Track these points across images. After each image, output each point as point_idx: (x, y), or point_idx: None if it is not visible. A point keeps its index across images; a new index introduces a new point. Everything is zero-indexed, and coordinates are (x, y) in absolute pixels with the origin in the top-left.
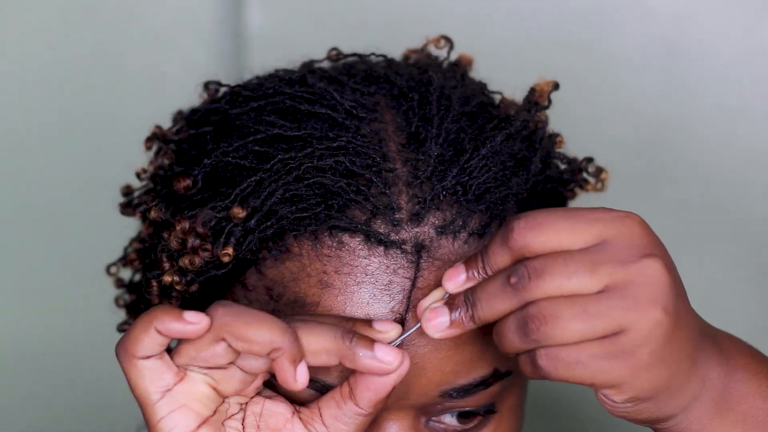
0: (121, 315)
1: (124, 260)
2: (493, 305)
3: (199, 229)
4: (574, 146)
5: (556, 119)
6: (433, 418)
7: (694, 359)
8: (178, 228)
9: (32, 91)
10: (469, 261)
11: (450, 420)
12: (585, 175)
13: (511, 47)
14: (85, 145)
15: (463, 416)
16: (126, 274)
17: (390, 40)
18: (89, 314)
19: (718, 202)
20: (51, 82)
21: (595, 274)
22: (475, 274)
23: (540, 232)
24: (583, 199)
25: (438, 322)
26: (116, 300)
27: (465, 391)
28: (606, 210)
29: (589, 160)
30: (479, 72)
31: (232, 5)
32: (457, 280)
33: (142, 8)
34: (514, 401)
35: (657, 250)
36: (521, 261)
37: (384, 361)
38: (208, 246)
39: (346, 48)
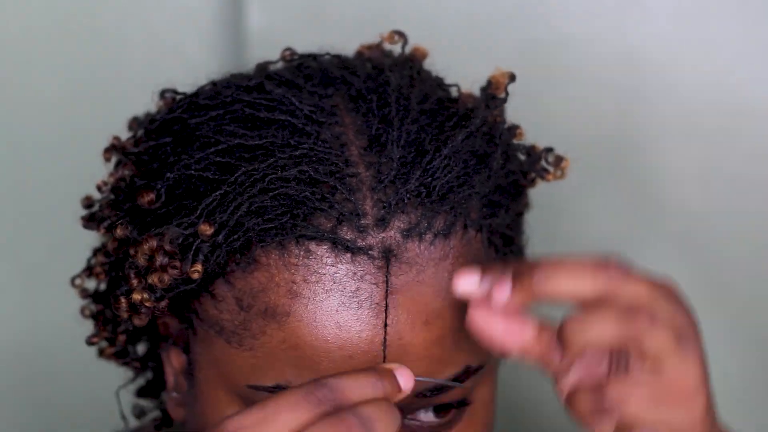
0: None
1: (89, 271)
2: (601, 327)
3: (167, 247)
4: (574, 146)
5: (556, 119)
6: (408, 415)
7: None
8: (145, 246)
9: (31, 91)
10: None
11: (425, 416)
12: (545, 164)
13: (509, 47)
14: (85, 145)
15: (439, 409)
16: (90, 283)
17: (370, 42)
18: (66, 317)
19: (718, 202)
20: (50, 81)
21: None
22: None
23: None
24: (545, 187)
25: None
26: (82, 310)
27: (439, 389)
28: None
29: (549, 149)
30: (477, 72)
31: (232, 5)
32: (470, 281)
33: (142, 8)
34: (486, 392)
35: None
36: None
37: (406, 390)
38: (177, 263)
39: (347, 48)
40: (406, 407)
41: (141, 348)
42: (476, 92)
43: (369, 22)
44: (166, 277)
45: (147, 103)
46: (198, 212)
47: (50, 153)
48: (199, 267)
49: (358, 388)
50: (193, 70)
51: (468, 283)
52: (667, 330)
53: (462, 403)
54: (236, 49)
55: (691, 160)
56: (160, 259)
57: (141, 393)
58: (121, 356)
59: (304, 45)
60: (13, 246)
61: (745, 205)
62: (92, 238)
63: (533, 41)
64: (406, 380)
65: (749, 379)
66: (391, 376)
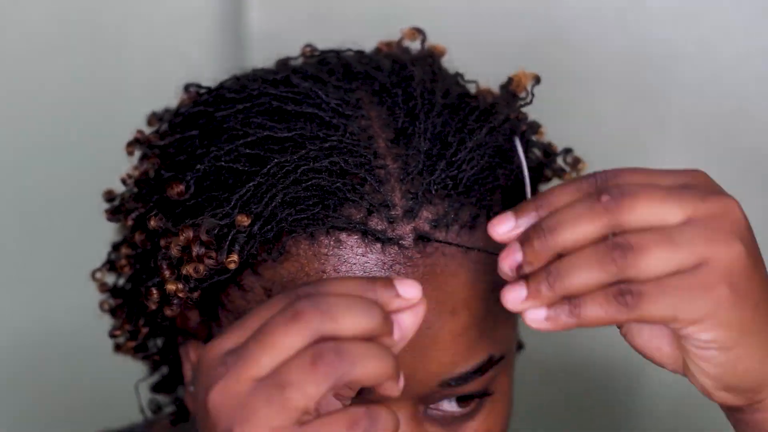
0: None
1: (111, 265)
2: (578, 226)
3: (204, 237)
4: (574, 145)
5: (556, 119)
6: (431, 405)
7: None
8: (182, 237)
9: (32, 91)
10: (520, 208)
11: (448, 405)
12: (563, 164)
13: (510, 47)
14: (85, 145)
15: (461, 400)
16: (108, 276)
17: (389, 39)
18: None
19: None
20: (50, 82)
21: (681, 204)
22: (527, 221)
23: (637, 201)
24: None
25: (516, 297)
26: (101, 305)
27: (463, 379)
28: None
29: (568, 150)
30: (478, 71)
31: (232, 5)
32: (504, 227)
33: (142, 8)
34: (505, 382)
35: (729, 194)
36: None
37: (409, 297)
38: (213, 254)
39: (346, 47)
40: (430, 397)
41: (158, 342)
42: (493, 89)
43: (369, 22)
44: (201, 268)
45: (148, 103)
46: (233, 203)
47: (50, 152)
48: (235, 257)
49: (341, 287)
50: (193, 70)
51: (504, 227)
52: (663, 262)
53: (484, 393)
54: (236, 49)
55: (691, 160)
56: (197, 250)
57: (157, 388)
58: (141, 350)
59: (304, 45)
60: (19, 243)
61: (745, 205)
62: (99, 233)
63: (534, 41)
64: (408, 288)
65: None
66: (386, 282)
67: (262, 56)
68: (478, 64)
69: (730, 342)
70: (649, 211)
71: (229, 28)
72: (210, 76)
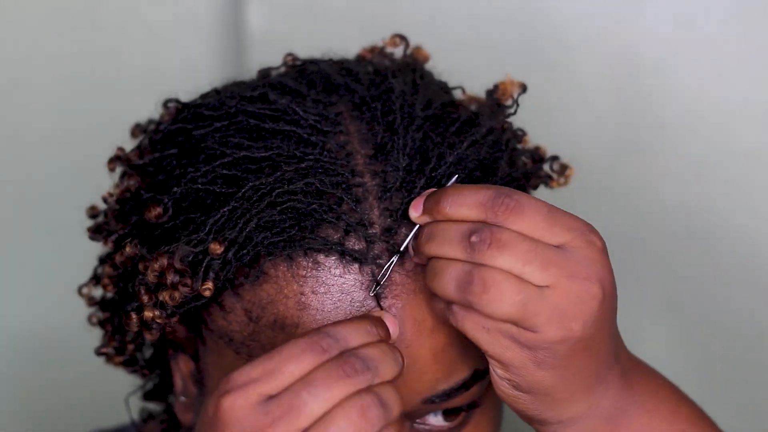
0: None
1: (97, 281)
2: (443, 248)
3: (177, 265)
4: (574, 145)
5: (556, 119)
6: (417, 420)
7: (589, 385)
8: (156, 264)
9: (31, 91)
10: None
11: (434, 420)
12: (549, 171)
13: (509, 47)
14: (85, 144)
15: (448, 413)
16: (95, 290)
17: (373, 44)
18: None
19: (718, 202)
20: (50, 81)
21: (545, 273)
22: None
23: (520, 217)
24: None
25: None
26: (89, 318)
27: (446, 395)
28: (577, 219)
29: (554, 158)
30: (477, 72)
31: (232, 5)
32: (418, 208)
33: (142, 7)
34: (494, 394)
35: (604, 277)
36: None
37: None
38: (188, 281)
39: (346, 48)
40: (415, 413)
41: (147, 352)
42: (481, 94)
43: (369, 23)
44: (177, 295)
45: (147, 103)
46: (207, 229)
47: (50, 153)
48: (210, 285)
49: (357, 334)
50: (193, 70)
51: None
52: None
53: (471, 405)
54: (236, 49)
55: (691, 160)
56: (171, 278)
57: (148, 396)
58: (130, 364)
59: (304, 45)
60: (19, 243)
61: (745, 205)
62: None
63: (533, 41)
64: (392, 327)
65: (751, 373)
66: (382, 322)
67: (262, 56)
68: (477, 64)
69: (523, 390)
70: (511, 267)
71: (229, 28)
72: (210, 76)
